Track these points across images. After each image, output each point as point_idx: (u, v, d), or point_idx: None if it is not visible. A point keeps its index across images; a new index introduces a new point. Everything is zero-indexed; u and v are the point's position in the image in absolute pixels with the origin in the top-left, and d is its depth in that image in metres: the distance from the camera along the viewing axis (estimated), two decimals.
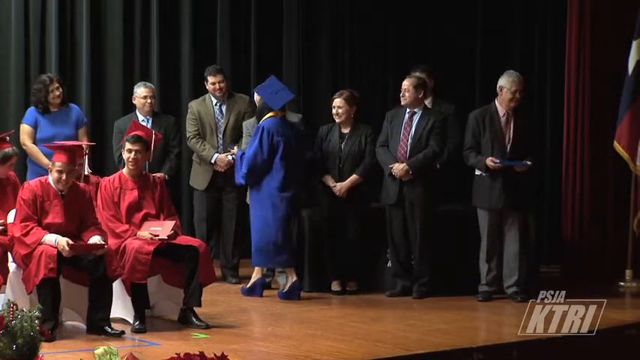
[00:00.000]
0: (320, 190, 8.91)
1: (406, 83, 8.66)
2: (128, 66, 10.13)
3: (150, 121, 9.07)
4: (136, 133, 7.69)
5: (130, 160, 7.54)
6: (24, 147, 8.80)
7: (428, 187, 8.58)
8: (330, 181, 8.80)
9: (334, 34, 11.07)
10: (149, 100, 9.15)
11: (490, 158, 8.39)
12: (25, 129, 8.83)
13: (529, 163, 8.36)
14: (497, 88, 8.54)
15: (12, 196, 7.52)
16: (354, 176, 8.76)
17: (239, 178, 8.68)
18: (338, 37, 11.09)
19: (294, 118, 9.01)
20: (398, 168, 8.56)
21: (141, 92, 9.17)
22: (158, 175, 8.32)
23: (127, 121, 9.11)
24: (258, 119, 8.67)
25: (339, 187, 8.75)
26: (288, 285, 8.57)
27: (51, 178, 7.15)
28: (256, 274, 8.70)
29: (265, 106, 8.63)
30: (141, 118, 9.09)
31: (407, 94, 8.64)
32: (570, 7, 9.89)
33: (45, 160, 8.40)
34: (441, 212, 8.68)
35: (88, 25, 9.88)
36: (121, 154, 8.69)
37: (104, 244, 7.01)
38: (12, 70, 9.66)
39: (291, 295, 8.50)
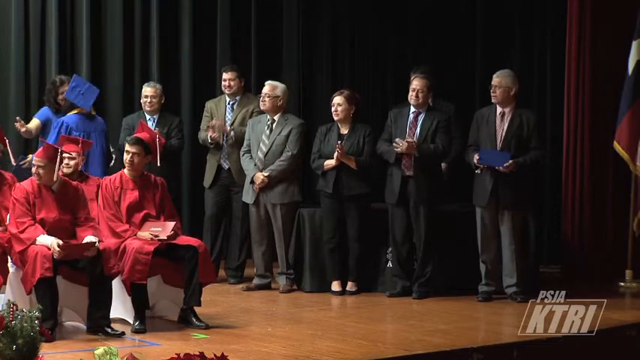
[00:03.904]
0: (320, 190, 8.89)
1: (419, 84, 8.58)
2: (128, 66, 10.13)
3: (155, 121, 9.13)
4: (138, 135, 7.69)
5: (127, 161, 7.56)
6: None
7: (433, 185, 8.56)
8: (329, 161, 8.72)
9: (334, 35, 11.07)
10: (149, 100, 9.20)
11: (475, 155, 8.39)
12: (34, 121, 9.02)
13: (506, 165, 8.27)
14: None
15: (10, 195, 7.51)
16: (352, 157, 8.68)
17: None
18: (338, 38, 11.09)
19: (295, 121, 9.00)
20: (403, 144, 8.45)
21: (144, 92, 9.30)
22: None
23: (134, 119, 9.17)
24: (65, 114, 8.82)
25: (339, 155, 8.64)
26: None
27: None
28: None
29: (72, 104, 8.81)
30: (147, 117, 9.14)
31: (420, 95, 8.58)
32: (570, 7, 9.89)
33: None
34: (441, 212, 8.67)
35: (88, 25, 9.88)
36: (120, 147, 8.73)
37: (94, 243, 7.00)
38: (12, 70, 9.67)
39: None
